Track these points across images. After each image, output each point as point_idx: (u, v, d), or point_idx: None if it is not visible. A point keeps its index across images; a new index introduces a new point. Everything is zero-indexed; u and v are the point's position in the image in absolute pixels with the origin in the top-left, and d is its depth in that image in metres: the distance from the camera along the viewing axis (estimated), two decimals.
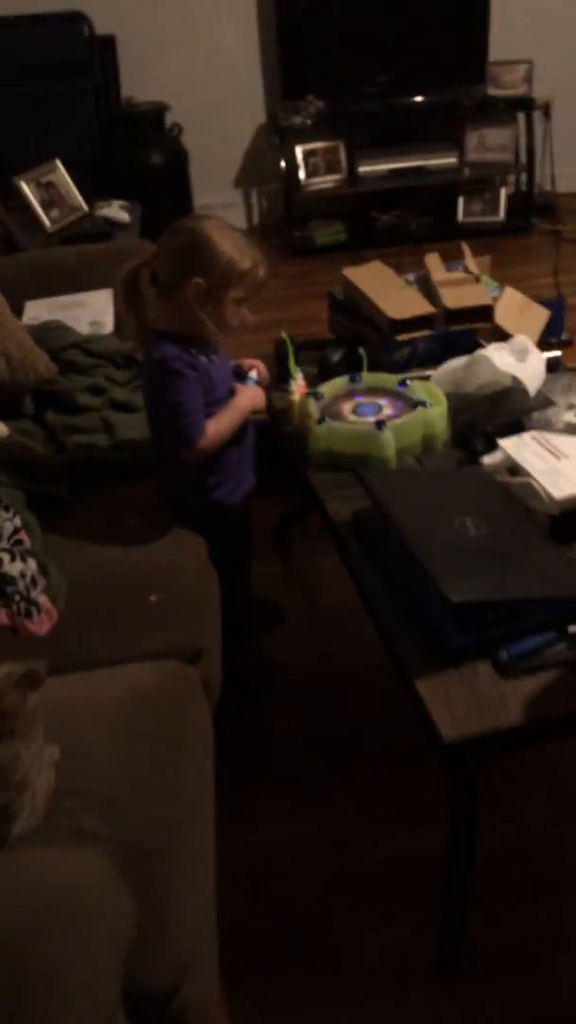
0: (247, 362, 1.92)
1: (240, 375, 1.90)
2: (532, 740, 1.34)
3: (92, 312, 2.47)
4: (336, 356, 2.05)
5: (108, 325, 2.43)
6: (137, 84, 4.22)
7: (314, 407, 1.85)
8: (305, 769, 1.88)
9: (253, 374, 1.90)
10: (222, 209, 4.62)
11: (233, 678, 1.80)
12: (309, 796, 1.82)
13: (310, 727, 1.98)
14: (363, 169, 4.33)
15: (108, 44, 4.13)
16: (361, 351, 1.98)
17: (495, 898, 1.58)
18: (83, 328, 2.41)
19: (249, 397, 1.82)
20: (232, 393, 1.82)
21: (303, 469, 1.84)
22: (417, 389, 1.87)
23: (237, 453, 1.86)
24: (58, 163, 3.19)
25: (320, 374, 2.08)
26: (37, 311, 2.47)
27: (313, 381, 2.05)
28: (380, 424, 1.75)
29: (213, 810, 1.44)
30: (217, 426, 1.75)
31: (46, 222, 3.08)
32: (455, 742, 1.22)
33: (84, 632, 1.62)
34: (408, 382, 1.89)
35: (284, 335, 2.05)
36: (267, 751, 1.94)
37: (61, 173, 3.19)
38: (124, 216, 3.15)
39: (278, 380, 2.08)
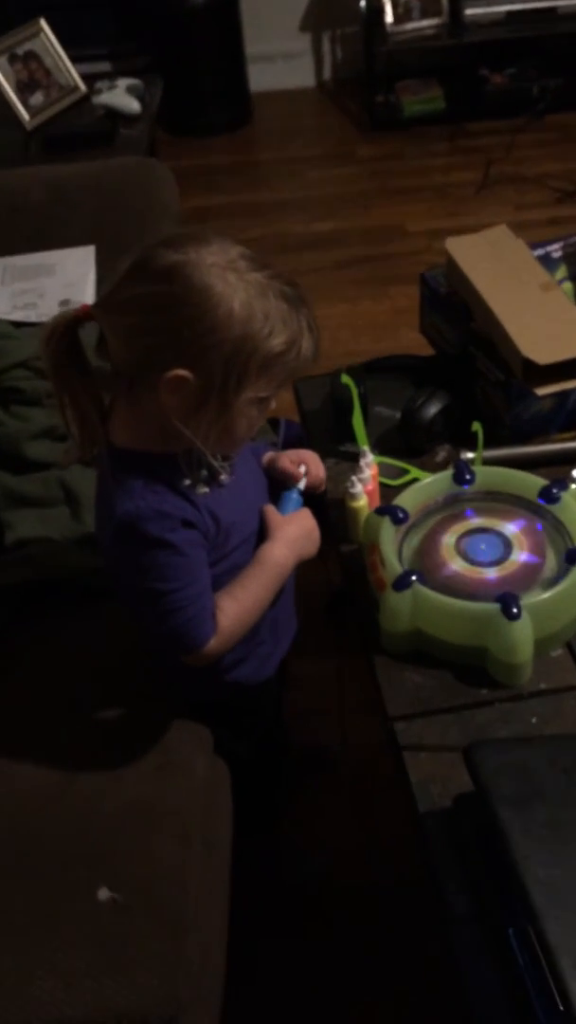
0: (287, 462, 1.11)
1: (274, 480, 1.10)
2: None
3: (65, 282, 1.67)
4: (431, 411, 1.24)
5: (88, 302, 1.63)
6: None
7: (390, 540, 1.06)
8: None
9: (300, 484, 1.09)
10: (283, 61, 3.65)
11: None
12: None
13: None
14: (470, 11, 3.36)
15: None
16: (477, 428, 1.16)
17: None
18: (51, 307, 1.63)
19: (290, 543, 1.04)
20: (262, 526, 1.04)
21: (368, 653, 1.07)
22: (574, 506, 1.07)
23: (270, 615, 1.09)
24: (43, 23, 2.26)
25: (404, 434, 1.27)
26: None
27: (389, 441, 1.27)
28: (511, 605, 0.96)
29: None
30: (238, 608, 1.00)
31: (23, 114, 2.20)
32: None
33: None
34: (560, 493, 1.08)
35: (346, 378, 1.23)
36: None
37: (46, 38, 2.27)
38: (133, 104, 2.23)
39: (335, 437, 1.30)
